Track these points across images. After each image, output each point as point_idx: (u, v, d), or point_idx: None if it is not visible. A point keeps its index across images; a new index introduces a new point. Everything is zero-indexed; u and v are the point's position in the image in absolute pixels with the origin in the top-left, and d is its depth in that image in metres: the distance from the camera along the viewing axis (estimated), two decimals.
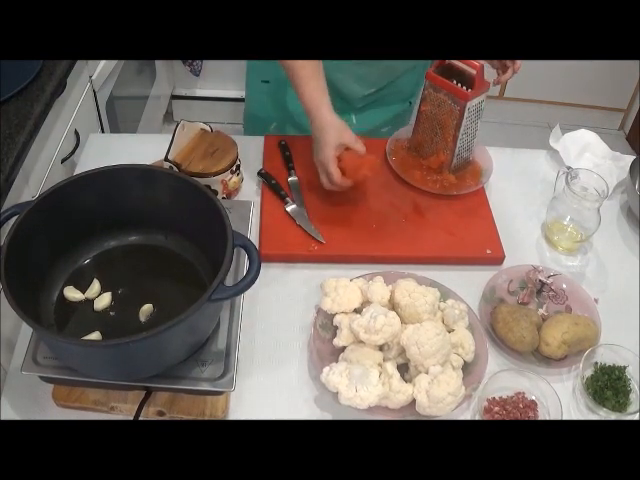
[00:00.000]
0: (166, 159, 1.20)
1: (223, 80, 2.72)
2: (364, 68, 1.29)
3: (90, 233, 0.98)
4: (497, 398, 0.99)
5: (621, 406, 1.00)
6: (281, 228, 1.20)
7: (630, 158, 1.39)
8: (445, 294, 1.09)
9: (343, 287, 1.04)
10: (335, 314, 1.03)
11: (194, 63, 2.70)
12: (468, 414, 0.99)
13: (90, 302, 0.94)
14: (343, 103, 1.44)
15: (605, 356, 1.05)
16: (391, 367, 0.96)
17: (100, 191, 0.94)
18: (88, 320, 0.91)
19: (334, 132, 1.14)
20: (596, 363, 1.05)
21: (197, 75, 2.74)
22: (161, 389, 0.92)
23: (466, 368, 1.01)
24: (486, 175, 1.33)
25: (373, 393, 0.90)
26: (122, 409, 0.93)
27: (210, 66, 2.73)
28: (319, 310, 1.06)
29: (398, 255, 1.19)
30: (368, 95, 1.41)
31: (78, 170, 1.31)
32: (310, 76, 1.15)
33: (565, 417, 0.97)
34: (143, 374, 0.87)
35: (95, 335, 0.89)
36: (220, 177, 1.20)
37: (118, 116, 2.06)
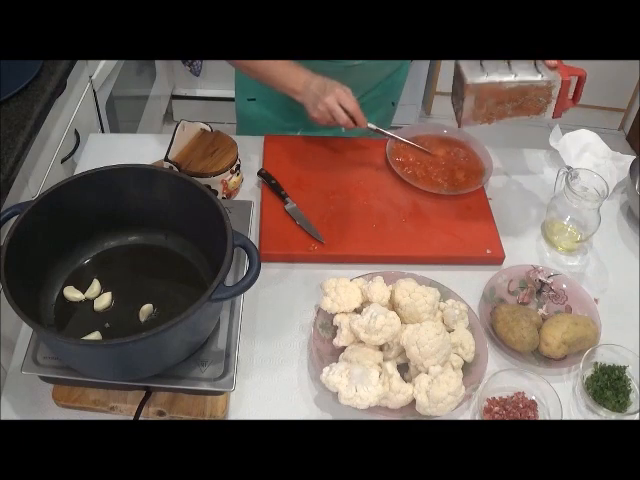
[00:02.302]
0: (166, 159, 1.20)
1: (223, 80, 2.72)
2: (348, 78, 1.30)
3: (90, 233, 0.98)
4: (497, 398, 0.99)
5: (621, 406, 1.00)
6: (281, 228, 1.20)
7: (630, 158, 1.39)
8: (445, 294, 1.09)
9: (343, 287, 1.04)
10: (335, 314, 1.03)
11: (194, 63, 2.70)
12: (468, 414, 0.99)
13: (90, 302, 0.94)
14: None
15: (605, 356, 1.05)
16: (391, 367, 0.96)
17: (100, 191, 0.94)
18: (88, 320, 0.91)
19: (336, 83, 1.20)
20: (596, 363, 1.05)
21: (197, 75, 2.74)
22: (161, 389, 0.92)
23: (466, 368, 1.01)
24: (486, 175, 1.33)
25: (373, 393, 0.90)
26: (122, 409, 0.93)
27: (210, 66, 2.73)
28: (319, 310, 1.06)
29: (398, 255, 1.19)
30: None
31: (78, 170, 1.31)
32: (283, 65, 1.22)
33: (565, 417, 0.97)
34: (143, 374, 0.87)
35: (95, 335, 0.89)
36: (220, 177, 1.20)
37: (118, 116, 2.06)
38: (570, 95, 1.16)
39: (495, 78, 1.12)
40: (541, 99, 1.14)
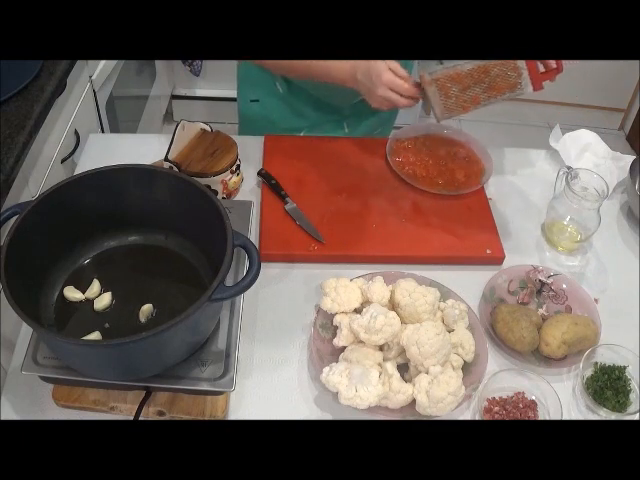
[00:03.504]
0: (166, 159, 1.20)
1: (223, 80, 2.72)
2: None
3: (90, 233, 0.98)
4: (497, 398, 0.99)
5: (621, 406, 1.00)
6: (281, 228, 1.20)
7: (630, 158, 1.39)
8: (445, 294, 1.09)
9: (343, 287, 1.04)
10: (335, 314, 1.03)
11: (194, 63, 2.70)
12: (468, 414, 0.99)
13: (90, 302, 0.94)
14: (333, 114, 1.45)
15: (605, 356, 1.05)
16: (391, 367, 0.96)
17: (100, 191, 0.94)
18: (88, 320, 0.91)
19: (381, 63, 1.13)
20: (596, 363, 1.05)
21: (197, 75, 2.74)
22: (161, 389, 0.92)
23: (466, 368, 1.01)
24: (486, 175, 1.33)
25: (373, 393, 0.90)
26: (122, 409, 0.93)
27: (210, 66, 2.73)
28: (319, 310, 1.06)
29: (398, 255, 1.19)
30: (357, 103, 1.41)
31: (78, 170, 1.31)
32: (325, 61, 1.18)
33: (565, 417, 0.97)
34: (143, 374, 0.87)
35: (95, 335, 0.89)
36: (220, 177, 1.20)
37: (118, 116, 2.06)
38: (549, 65, 1.12)
39: (448, 64, 1.09)
40: (510, 73, 1.10)
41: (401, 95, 1.12)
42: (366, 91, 1.16)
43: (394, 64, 1.13)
